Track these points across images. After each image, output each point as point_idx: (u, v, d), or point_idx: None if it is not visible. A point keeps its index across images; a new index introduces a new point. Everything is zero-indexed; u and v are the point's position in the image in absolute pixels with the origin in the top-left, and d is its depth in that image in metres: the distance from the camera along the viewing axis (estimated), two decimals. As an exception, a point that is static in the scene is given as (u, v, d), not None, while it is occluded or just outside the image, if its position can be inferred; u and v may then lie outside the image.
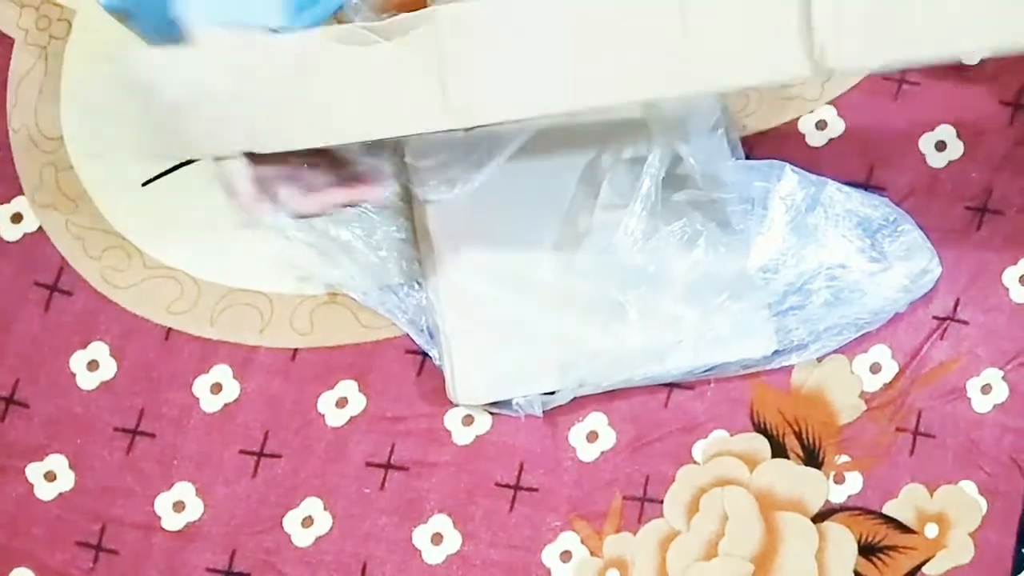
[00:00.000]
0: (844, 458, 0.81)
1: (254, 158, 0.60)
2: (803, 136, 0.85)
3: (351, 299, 0.81)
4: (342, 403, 0.80)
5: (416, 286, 0.80)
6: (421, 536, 0.79)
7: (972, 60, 0.86)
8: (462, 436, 0.80)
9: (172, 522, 0.78)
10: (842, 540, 0.80)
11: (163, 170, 0.83)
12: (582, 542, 0.79)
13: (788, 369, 0.81)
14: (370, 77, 0.58)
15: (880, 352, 0.82)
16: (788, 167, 0.81)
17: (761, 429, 0.81)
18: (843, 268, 0.80)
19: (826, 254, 0.80)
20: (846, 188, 0.82)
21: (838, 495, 0.80)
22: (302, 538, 0.79)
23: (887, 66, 0.52)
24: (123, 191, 0.83)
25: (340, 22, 0.85)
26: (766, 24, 0.54)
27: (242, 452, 0.79)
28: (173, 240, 0.82)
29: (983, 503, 0.81)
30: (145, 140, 0.64)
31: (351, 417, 0.80)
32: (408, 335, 0.80)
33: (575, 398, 0.79)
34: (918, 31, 0.54)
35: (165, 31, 0.79)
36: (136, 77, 0.61)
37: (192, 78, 0.59)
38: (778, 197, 0.80)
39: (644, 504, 0.80)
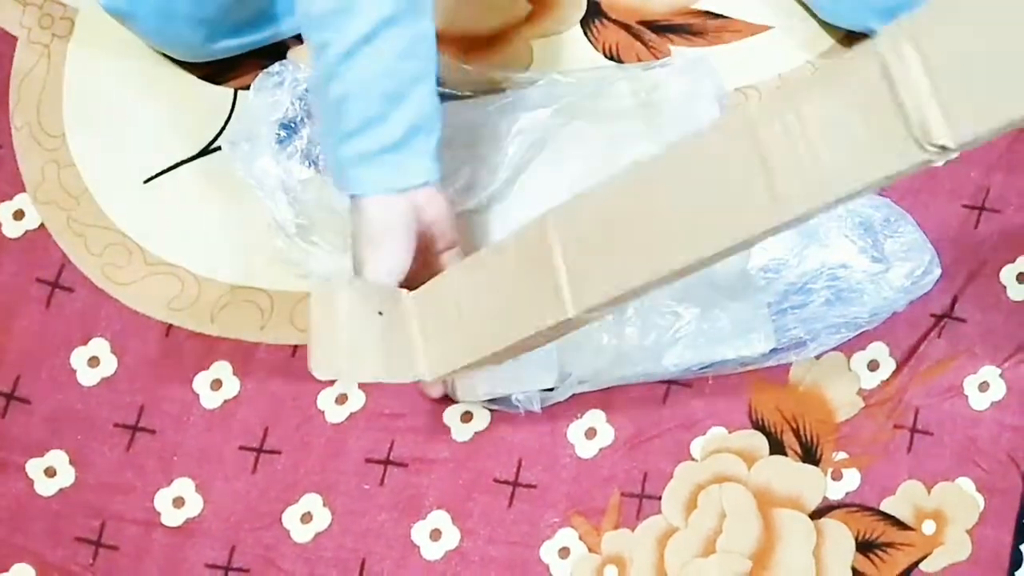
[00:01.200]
0: (842, 455, 0.81)
1: None
2: (801, 135, 0.85)
3: (351, 296, 0.81)
4: (342, 400, 0.80)
5: (415, 283, 0.80)
6: (420, 532, 0.79)
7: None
8: (461, 433, 0.80)
9: (172, 518, 0.79)
10: (840, 537, 0.80)
11: (164, 167, 0.83)
12: (580, 538, 0.79)
13: (786, 366, 0.81)
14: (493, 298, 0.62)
15: (878, 349, 0.82)
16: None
17: (759, 426, 0.81)
18: (844, 268, 0.80)
19: (828, 254, 0.80)
20: (846, 189, 0.82)
21: (836, 492, 0.81)
22: (301, 534, 0.79)
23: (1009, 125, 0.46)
24: (124, 188, 0.83)
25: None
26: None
27: (242, 448, 0.80)
28: (174, 237, 0.82)
29: (980, 500, 0.81)
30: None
31: (351, 413, 0.80)
32: (407, 332, 0.80)
33: (574, 395, 0.79)
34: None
35: (163, 33, 0.80)
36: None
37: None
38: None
39: (642, 501, 0.80)
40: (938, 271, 0.81)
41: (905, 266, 0.80)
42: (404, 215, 0.65)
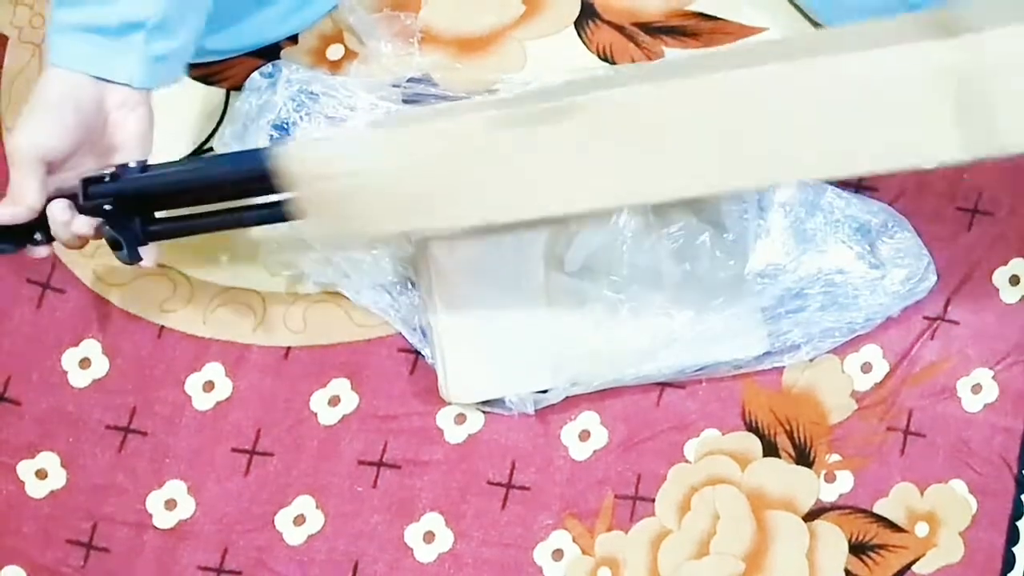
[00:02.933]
0: (835, 457, 0.81)
1: None
2: (795, 137, 0.85)
3: (344, 298, 0.81)
4: (335, 401, 0.80)
5: (409, 284, 0.80)
6: (413, 534, 0.79)
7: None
8: (454, 434, 0.80)
9: (164, 520, 0.78)
10: (833, 539, 0.80)
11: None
12: (574, 540, 0.79)
13: (780, 369, 0.81)
14: (530, 158, 0.60)
15: (871, 352, 0.82)
16: (785, 171, 0.81)
17: (753, 428, 0.81)
18: (841, 274, 0.80)
19: (825, 260, 0.80)
20: (845, 193, 0.82)
21: (829, 494, 0.81)
22: (294, 536, 0.79)
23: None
24: (116, 189, 0.83)
25: (335, 22, 0.85)
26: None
27: (234, 450, 0.79)
28: (166, 238, 0.82)
29: (973, 502, 0.81)
30: (310, 226, 0.66)
31: (343, 415, 0.80)
32: (401, 334, 0.80)
33: (567, 397, 0.79)
34: None
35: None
36: (299, 167, 0.63)
37: (355, 167, 0.62)
38: (777, 203, 0.81)
39: (636, 503, 0.80)
40: (934, 278, 0.81)
41: (901, 272, 0.80)
42: (82, 101, 0.62)
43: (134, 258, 0.66)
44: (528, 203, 0.61)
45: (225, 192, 0.67)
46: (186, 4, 0.65)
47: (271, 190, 0.64)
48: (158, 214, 0.68)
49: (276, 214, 0.66)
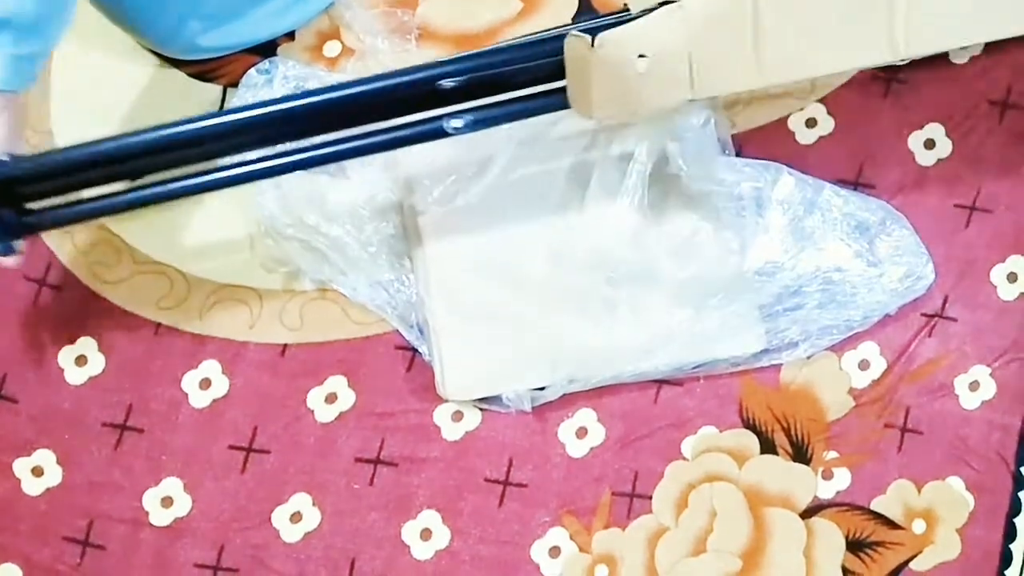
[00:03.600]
0: (832, 454, 0.81)
1: None
2: (793, 134, 0.85)
3: (341, 295, 0.80)
4: (331, 399, 0.80)
5: (406, 282, 0.80)
6: (410, 532, 0.79)
7: (963, 58, 0.86)
8: (451, 432, 0.80)
9: (160, 517, 0.78)
10: (830, 536, 0.80)
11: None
12: (571, 538, 0.79)
13: (777, 366, 0.81)
14: (817, 17, 0.64)
15: (869, 349, 0.82)
16: (785, 170, 0.81)
17: (750, 425, 0.81)
18: (839, 271, 0.80)
19: (823, 258, 0.80)
20: (843, 192, 0.82)
21: (826, 491, 0.81)
22: (291, 533, 0.78)
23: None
24: (112, 186, 0.82)
25: (332, 18, 0.85)
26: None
27: (231, 447, 0.79)
28: (163, 236, 0.82)
29: (970, 499, 0.81)
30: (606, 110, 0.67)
31: (340, 413, 0.80)
32: (398, 331, 0.80)
33: (565, 394, 0.79)
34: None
35: (154, 30, 0.79)
36: (608, 56, 0.64)
37: (651, 46, 0.64)
38: (775, 201, 0.81)
39: (633, 500, 0.80)
40: (932, 276, 0.81)
41: (899, 270, 0.80)
42: None
43: (7, 250, 0.65)
44: (815, 59, 0.65)
45: (136, 167, 0.66)
46: (55, 2, 0.62)
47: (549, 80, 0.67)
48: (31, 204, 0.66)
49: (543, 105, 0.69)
